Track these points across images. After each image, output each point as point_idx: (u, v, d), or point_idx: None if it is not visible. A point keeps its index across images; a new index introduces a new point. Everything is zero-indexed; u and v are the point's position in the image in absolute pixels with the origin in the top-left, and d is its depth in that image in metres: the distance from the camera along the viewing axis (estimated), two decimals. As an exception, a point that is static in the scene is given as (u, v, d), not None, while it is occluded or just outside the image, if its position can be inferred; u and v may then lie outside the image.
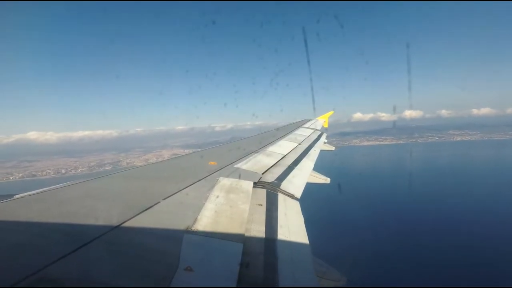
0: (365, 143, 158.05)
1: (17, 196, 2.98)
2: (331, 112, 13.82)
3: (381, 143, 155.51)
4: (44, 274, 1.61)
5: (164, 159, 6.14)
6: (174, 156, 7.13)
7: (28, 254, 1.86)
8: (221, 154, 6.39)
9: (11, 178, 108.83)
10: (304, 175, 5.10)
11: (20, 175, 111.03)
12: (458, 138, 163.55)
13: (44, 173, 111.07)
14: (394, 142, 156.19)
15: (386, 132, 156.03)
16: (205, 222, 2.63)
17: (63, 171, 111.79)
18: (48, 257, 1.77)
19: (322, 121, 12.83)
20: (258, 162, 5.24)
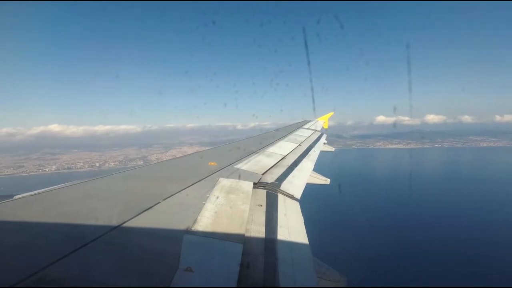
0: (389, 146, 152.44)
1: (17, 196, 2.99)
2: (331, 113, 13.85)
3: (406, 146, 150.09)
4: (44, 274, 1.62)
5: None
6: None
7: (28, 254, 1.86)
8: (221, 154, 6.40)
9: (46, 170, 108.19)
10: (304, 176, 5.10)
11: (54, 167, 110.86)
12: (485, 144, 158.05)
13: (78, 166, 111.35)
14: (420, 146, 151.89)
15: (408, 135, 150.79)
16: (205, 222, 2.64)
17: (97, 164, 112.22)
18: (48, 257, 1.78)
19: (322, 122, 12.87)
20: (258, 163, 5.24)
